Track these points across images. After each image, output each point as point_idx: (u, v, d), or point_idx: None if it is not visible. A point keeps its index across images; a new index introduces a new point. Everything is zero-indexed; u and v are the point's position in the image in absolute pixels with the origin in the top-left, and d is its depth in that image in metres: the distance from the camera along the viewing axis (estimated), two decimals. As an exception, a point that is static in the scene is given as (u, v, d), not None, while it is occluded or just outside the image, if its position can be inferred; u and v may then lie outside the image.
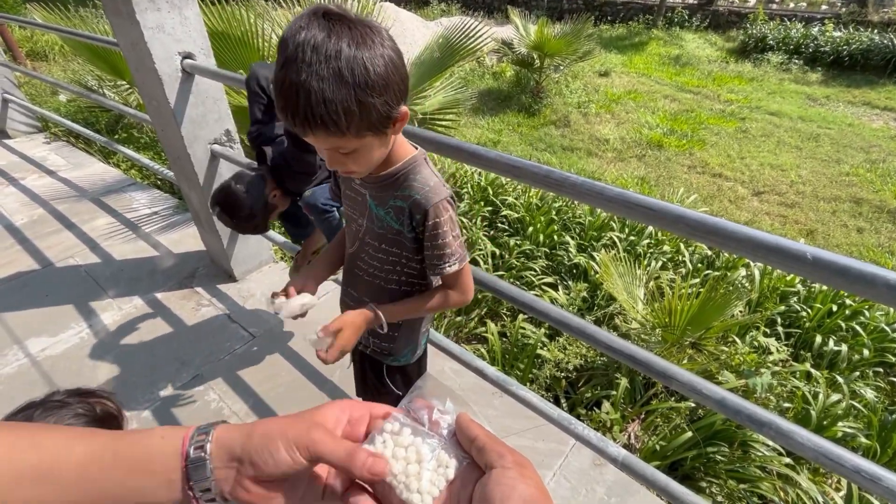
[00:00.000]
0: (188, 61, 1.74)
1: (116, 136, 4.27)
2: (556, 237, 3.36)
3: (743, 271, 3.04)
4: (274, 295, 0.89)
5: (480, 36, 3.15)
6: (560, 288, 3.02)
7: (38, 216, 2.87)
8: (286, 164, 1.41)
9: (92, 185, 3.25)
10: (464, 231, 3.29)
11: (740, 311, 2.82)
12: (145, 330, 2.07)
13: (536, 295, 2.93)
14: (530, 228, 3.38)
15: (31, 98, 4.51)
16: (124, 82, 4.09)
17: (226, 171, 2.10)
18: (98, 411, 0.81)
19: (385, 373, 1.14)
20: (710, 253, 3.35)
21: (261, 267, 2.44)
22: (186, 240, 2.65)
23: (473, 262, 3.13)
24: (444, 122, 3.58)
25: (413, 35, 8.01)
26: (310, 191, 1.52)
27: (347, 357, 1.92)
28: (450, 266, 0.87)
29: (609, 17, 13.81)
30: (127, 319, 2.11)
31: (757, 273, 2.96)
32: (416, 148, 0.87)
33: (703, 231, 0.75)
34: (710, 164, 5.72)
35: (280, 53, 0.64)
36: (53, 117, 3.57)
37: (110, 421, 0.84)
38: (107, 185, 3.24)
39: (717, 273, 3.13)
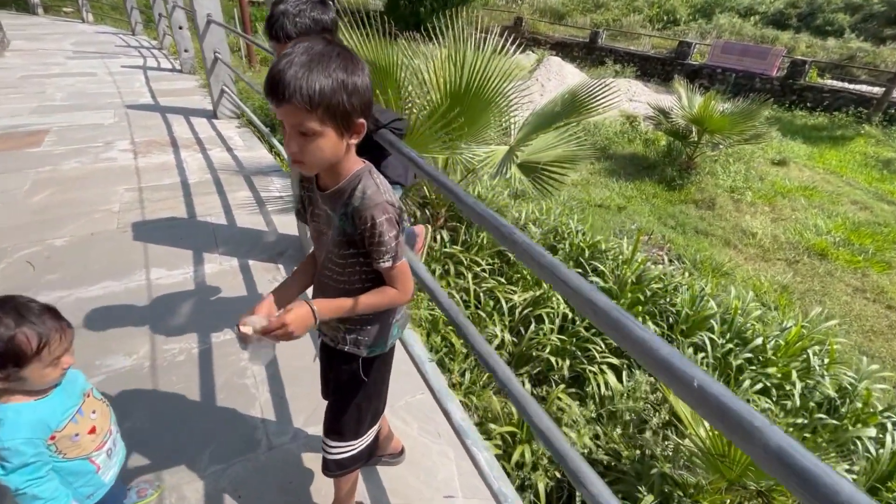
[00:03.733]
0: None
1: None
2: (639, 318, 3.04)
3: (872, 431, 2.36)
4: (242, 325, 0.92)
5: (607, 96, 3.10)
6: (624, 375, 2.72)
7: (205, 179, 3.63)
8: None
9: (250, 164, 3.99)
10: (537, 288, 3.18)
11: (854, 478, 2.20)
12: (229, 286, 2.45)
13: (592, 372, 2.68)
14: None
15: (240, 93, 5.74)
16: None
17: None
18: (6, 340, 0.90)
19: (361, 366, 1.17)
20: (834, 394, 2.68)
21: (335, 262, 2.71)
22: (291, 224, 3.08)
23: (539, 319, 3.01)
24: (555, 173, 3.56)
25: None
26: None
27: (312, 350, 2.02)
28: (384, 262, 0.96)
29: (809, 104, 12.18)
30: (221, 274, 2.54)
31: (890, 441, 2.28)
32: (364, 163, 0.98)
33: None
34: (888, 293, 4.59)
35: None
36: (245, 109, 4.50)
37: (12, 356, 0.92)
38: (259, 167, 3.95)
39: (836, 422, 2.49)
